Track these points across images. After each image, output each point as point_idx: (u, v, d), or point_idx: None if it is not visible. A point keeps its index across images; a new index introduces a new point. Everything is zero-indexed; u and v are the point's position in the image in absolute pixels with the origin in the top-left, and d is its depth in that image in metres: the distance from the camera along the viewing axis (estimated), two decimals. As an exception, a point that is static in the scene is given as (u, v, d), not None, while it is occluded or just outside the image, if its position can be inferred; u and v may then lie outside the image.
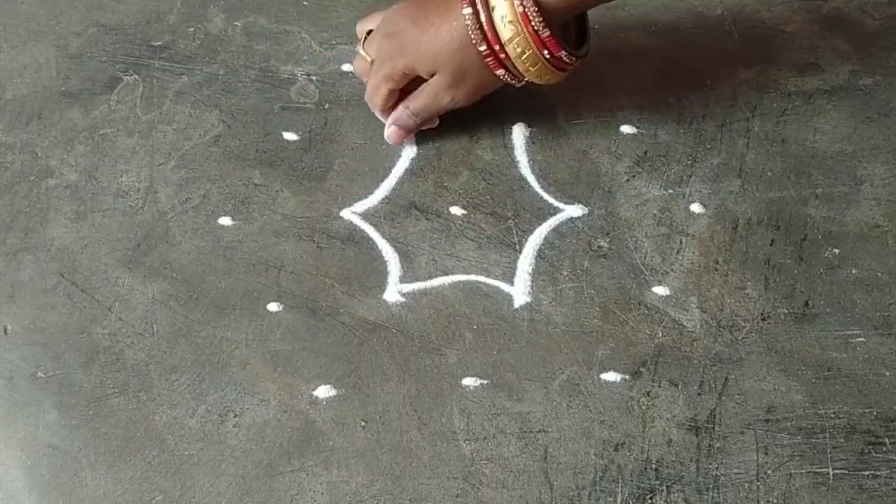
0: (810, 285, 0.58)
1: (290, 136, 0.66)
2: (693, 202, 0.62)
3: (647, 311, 0.58)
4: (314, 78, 0.69)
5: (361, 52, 0.63)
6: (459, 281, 0.59)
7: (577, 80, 0.68)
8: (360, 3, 0.73)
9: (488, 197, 0.63)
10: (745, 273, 0.59)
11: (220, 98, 0.68)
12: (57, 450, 0.53)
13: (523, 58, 0.57)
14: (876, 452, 0.52)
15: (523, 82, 0.60)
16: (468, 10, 0.56)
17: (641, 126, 0.66)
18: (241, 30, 0.72)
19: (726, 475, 0.52)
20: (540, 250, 0.60)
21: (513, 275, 0.59)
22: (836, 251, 0.60)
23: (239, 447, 0.53)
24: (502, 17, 0.56)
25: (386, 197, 0.63)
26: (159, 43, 0.71)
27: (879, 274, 0.59)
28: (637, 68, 0.69)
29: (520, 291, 0.59)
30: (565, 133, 0.66)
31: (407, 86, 0.63)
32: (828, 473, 0.52)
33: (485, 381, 0.55)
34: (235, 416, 0.54)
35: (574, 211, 0.62)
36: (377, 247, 0.61)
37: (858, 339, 0.56)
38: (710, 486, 0.51)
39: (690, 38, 0.71)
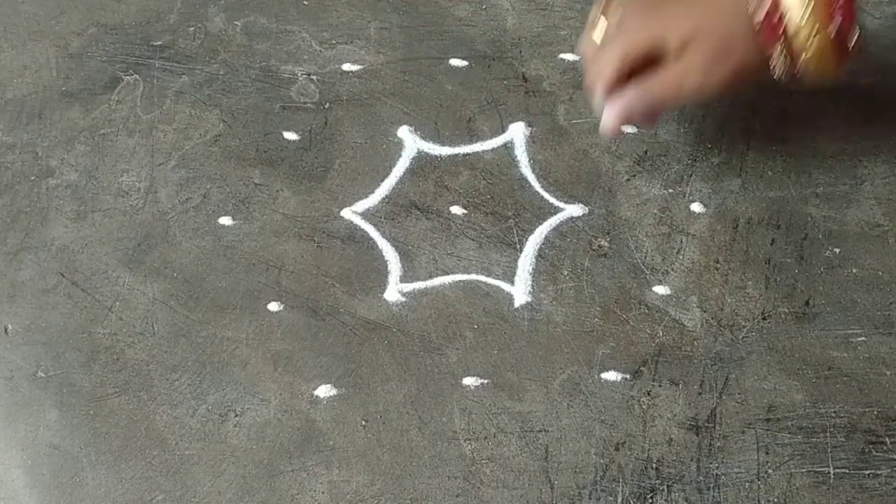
0: (811, 284, 0.58)
1: (290, 135, 0.66)
2: (693, 201, 0.62)
3: (647, 311, 0.58)
4: (314, 77, 0.69)
5: (600, 26, 0.54)
6: (460, 280, 0.59)
7: (579, 80, 0.68)
8: (361, 3, 0.73)
9: (489, 196, 0.63)
10: (745, 272, 0.59)
11: (220, 98, 0.68)
12: (57, 449, 0.53)
13: (805, 32, 0.49)
14: (876, 452, 0.52)
15: (795, 70, 0.51)
16: None
17: (641, 126, 0.66)
18: (242, 29, 0.72)
19: (727, 474, 0.52)
20: (540, 250, 0.60)
21: (513, 274, 0.59)
22: (837, 250, 0.60)
23: (240, 447, 0.53)
24: None
25: (386, 196, 0.63)
26: (160, 43, 0.71)
27: (880, 273, 0.59)
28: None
29: (520, 291, 0.59)
30: (566, 132, 0.66)
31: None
32: (828, 473, 0.52)
33: (485, 381, 0.55)
34: (236, 415, 0.54)
35: (574, 210, 0.62)
36: (377, 246, 0.61)
37: (859, 339, 0.56)
38: (711, 485, 0.51)
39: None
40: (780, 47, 0.50)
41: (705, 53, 0.51)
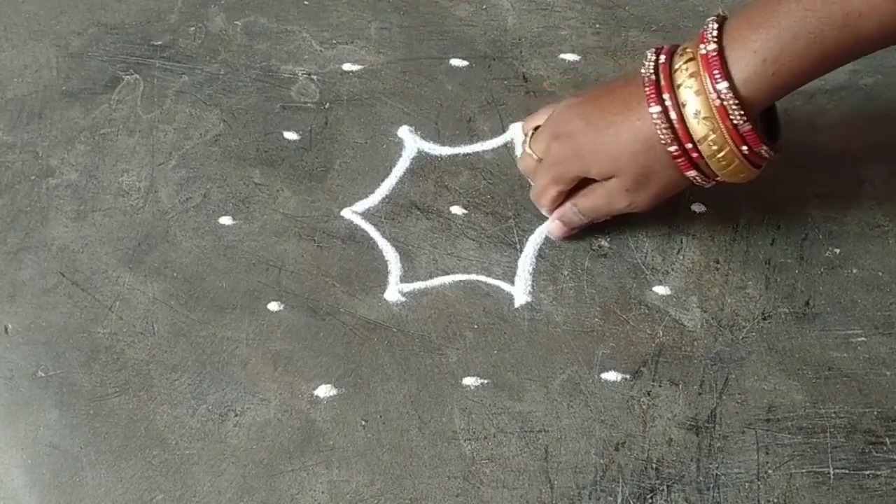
0: (811, 285, 0.58)
1: (290, 135, 0.66)
2: (694, 201, 0.62)
3: (647, 311, 0.58)
4: (315, 77, 0.69)
5: (528, 150, 0.59)
6: (460, 280, 0.59)
7: (579, 80, 0.68)
8: (361, 3, 0.73)
9: (489, 196, 0.63)
10: (745, 272, 0.59)
11: (220, 97, 0.68)
12: (57, 449, 0.53)
13: (719, 156, 0.51)
14: (876, 452, 0.52)
15: (712, 183, 0.54)
16: (656, 109, 0.51)
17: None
18: (242, 29, 0.72)
19: (727, 475, 0.52)
20: (540, 250, 0.60)
21: (513, 274, 0.59)
22: (837, 251, 0.60)
23: (239, 446, 0.53)
24: (696, 113, 0.50)
25: (386, 196, 0.63)
26: (160, 42, 0.71)
27: (880, 273, 0.59)
28: (638, 68, 0.69)
29: (520, 291, 0.59)
30: (566, 132, 0.66)
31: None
32: (828, 473, 0.52)
33: (485, 381, 0.55)
34: (236, 415, 0.54)
35: (574, 210, 0.62)
36: (378, 246, 0.61)
37: (859, 339, 0.56)
38: (711, 485, 0.51)
39: (691, 37, 0.71)
40: (694, 172, 0.53)
41: (627, 182, 0.54)
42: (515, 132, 0.66)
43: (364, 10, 0.73)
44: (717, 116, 0.50)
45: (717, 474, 0.52)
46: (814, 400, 0.54)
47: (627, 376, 0.55)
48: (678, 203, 0.62)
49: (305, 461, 0.53)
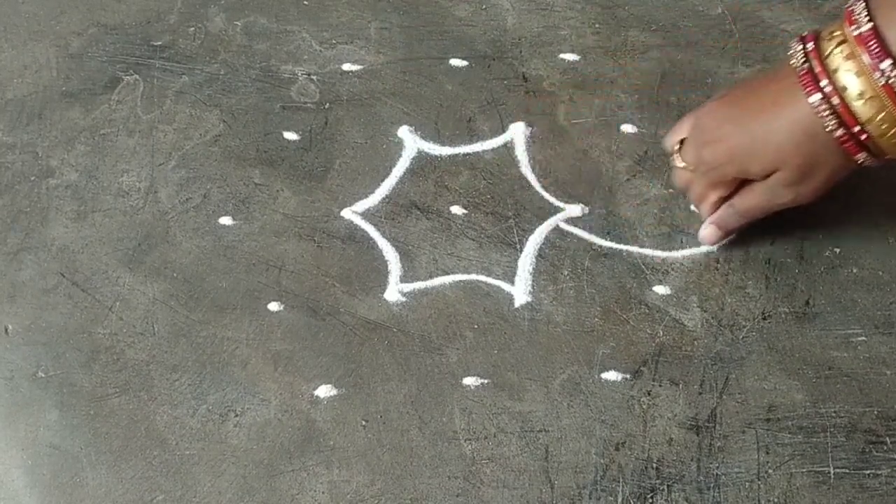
0: (811, 284, 0.58)
1: (290, 135, 0.66)
2: (694, 201, 0.62)
3: (647, 311, 0.58)
4: (315, 77, 0.69)
5: (678, 164, 0.58)
6: (460, 280, 0.59)
7: (579, 80, 0.68)
8: (361, 3, 0.73)
9: (489, 196, 0.63)
10: (745, 272, 0.59)
11: (220, 98, 0.68)
12: (58, 449, 0.53)
13: (889, 134, 0.49)
14: (877, 451, 0.52)
15: (882, 162, 0.52)
16: (816, 97, 0.49)
17: (642, 125, 0.66)
18: (242, 29, 0.72)
19: (727, 474, 0.52)
20: (540, 250, 0.60)
21: (513, 274, 0.59)
22: (837, 250, 0.60)
23: (240, 447, 0.53)
24: (860, 95, 0.48)
25: (386, 196, 0.63)
26: (160, 43, 0.71)
27: (880, 273, 0.59)
28: (637, 67, 0.69)
29: (520, 291, 0.59)
30: (566, 132, 0.66)
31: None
32: (829, 472, 0.52)
33: (485, 381, 0.55)
34: (236, 415, 0.54)
35: (574, 210, 0.62)
36: (378, 246, 0.61)
37: (859, 339, 0.56)
38: (711, 485, 0.51)
39: (690, 36, 0.71)
40: (864, 154, 0.51)
41: (791, 175, 0.53)
42: (515, 132, 0.66)
43: (364, 10, 0.73)
44: (883, 94, 0.48)
45: (717, 474, 0.52)
46: (814, 399, 0.54)
47: (628, 376, 0.55)
48: (678, 203, 0.62)
49: (306, 461, 0.53)
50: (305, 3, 0.74)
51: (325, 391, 0.55)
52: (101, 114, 0.68)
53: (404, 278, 0.59)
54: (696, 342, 0.56)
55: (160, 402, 0.55)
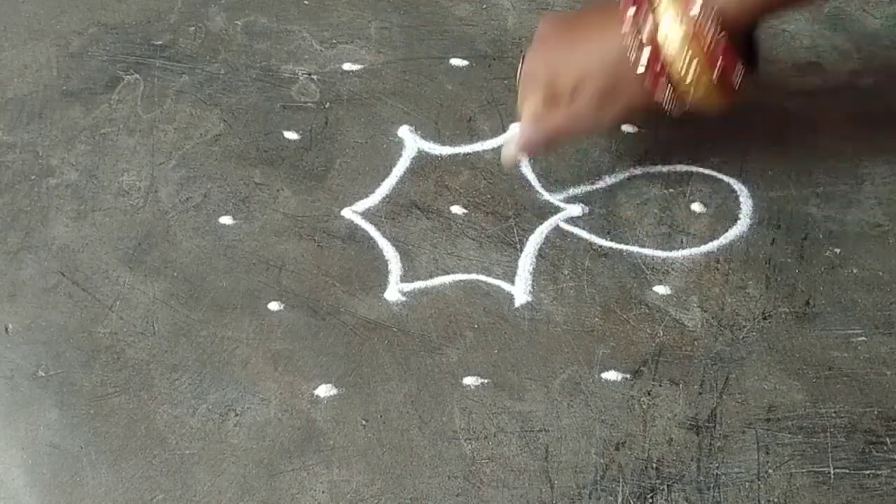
0: (811, 284, 0.58)
1: (290, 135, 0.66)
2: (694, 201, 0.62)
3: (647, 311, 0.58)
4: (315, 77, 0.69)
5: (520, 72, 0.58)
6: (460, 280, 0.59)
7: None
8: (361, 3, 0.73)
9: (489, 196, 0.63)
10: (745, 272, 0.59)
11: (220, 97, 0.68)
12: (58, 449, 0.53)
13: (688, 78, 0.51)
14: (877, 451, 0.52)
15: (684, 106, 0.53)
16: (627, 27, 0.51)
17: (642, 125, 0.66)
18: (242, 29, 0.72)
19: (727, 474, 0.52)
20: (541, 249, 0.60)
21: (514, 274, 0.59)
22: (837, 250, 0.60)
23: (240, 446, 0.53)
24: (669, 27, 0.50)
25: (387, 196, 0.63)
26: (160, 42, 0.71)
27: (880, 273, 0.59)
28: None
29: (520, 290, 0.59)
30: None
31: None
32: (829, 472, 0.52)
33: (485, 381, 0.55)
34: (236, 414, 0.54)
35: (575, 210, 0.62)
36: (378, 246, 0.61)
37: (859, 339, 0.56)
38: (711, 485, 0.51)
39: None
40: (665, 91, 0.52)
41: (594, 96, 0.54)
42: (515, 132, 0.65)
43: (364, 9, 0.73)
44: (690, 33, 0.50)
45: (717, 474, 0.52)
46: (814, 399, 0.54)
47: (628, 376, 0.55)
48: (678, 203, 0.62)
49: (306, 461, 0.53)
50: (306, 2, 0.74)
51: (325, 391, 0.55)
52: (101, 113, 0.68)
53: (404, 278, 0.59)
54: (696, 342, 0.56)
55: (160, 402, 0.55)
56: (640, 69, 0.52)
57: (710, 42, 0.50)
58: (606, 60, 0.53)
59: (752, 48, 0.54)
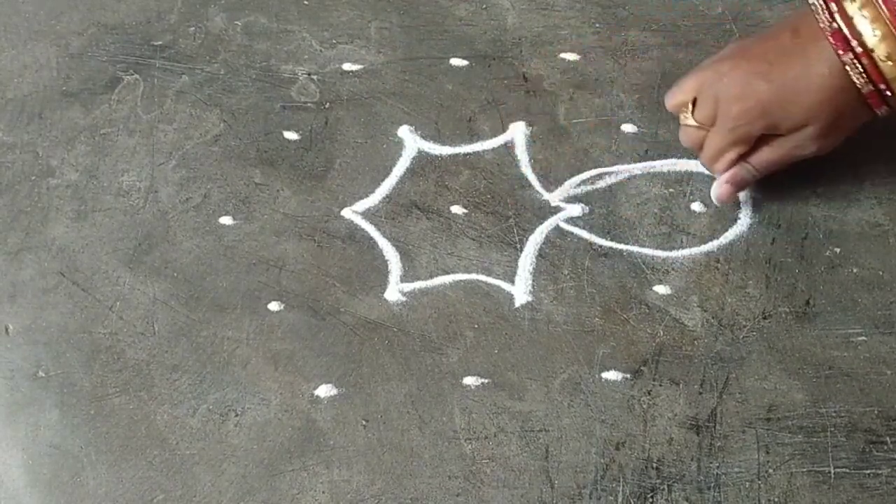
0: (811, 284, 0.58)
1: (290, 135, 0.66)
2: (694, 201, 0.62)
3: (647, 310, 0.58)
4: (315, 77, 0.69)
5: (690, 122, 0.58)
6: (460, 280, 0.59)
7: (579, 80, 0.68)
8: (361, 3, 0.73)
9: (489, 196, 0.63)
10: (745, 272, 0.59)
11: (220, 97, 0.68)
12: (58, 449, 0.53)
13: None
14: (877, 451, 0.52)
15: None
16: (849, 57, 0.51)
17: (642, 125, 0.66)
18: (242, 29, 0.72)
19: (727, 474, 0.52)
20: (541, 249, 0.60)
21: (514, 274, 0.59)
22: (838, 250, 0.60)
23: (240, 446, 0.53)
24: (888, 56, 0.51)
25: (387, 196, 0.63)
26: (160, 42, 0.71)
27: (881, 272, 0.59)
28: (638, 67, 0.69)
29: (521, 290, 0.59)
30: (566, 132, 0.66)
31: None
32: (829, 472, 0.52)
33: (486, 380, 0.55)
34: (236, 415, 0.54)
35: (575, 210, 0.62)
36: (378, 246, 0.61)
37: (860, 338, 0.56)
38: (712, 484, 0.51)
39: (691, 36, 0.71)
40: (885, 107, 0.54)
41: (819, 130, 0.54)
42: (515, 132, 0.66)
43: (364, 9, 0.73)
44: None
45: (717, 473, 0.52)
46: (814, 399, 0.54)
47: (628, 376, 0.55)
48: (678, 203, 0.62)
49: (306, 461, 0.53)
50: (306, 2, 0.74)
51: (325, 391, 0.55)
52: (101, 113, 0.68)
53: (404, 278, 0.59)
54: (696, 342, 0.56)
55: (160, 402, 0.55)
56: (866, 90, 0.52)
57: None
58: (830, 93, 0.53)
59: None
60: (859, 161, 0.64)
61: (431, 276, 0.59)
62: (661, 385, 0.55)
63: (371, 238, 0.61)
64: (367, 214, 0.62)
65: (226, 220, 0.62)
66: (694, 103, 0.58)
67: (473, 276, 0.59)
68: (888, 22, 0.51)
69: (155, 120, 0.67)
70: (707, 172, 0.63)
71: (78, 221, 0.62)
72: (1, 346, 0.57)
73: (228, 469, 0.52)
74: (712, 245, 0.60)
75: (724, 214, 0.61)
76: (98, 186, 0.64)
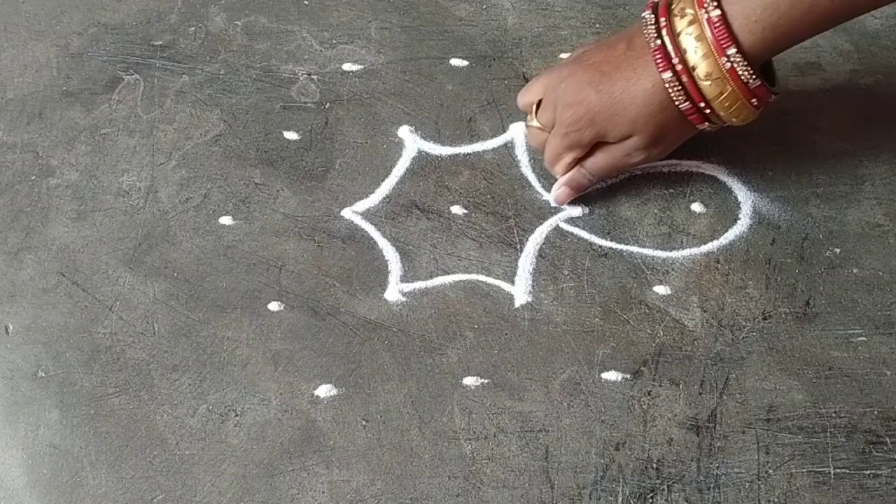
0: (811, 284, 0.58)
1: (290, 135, 0.66)
2: (694, 201, 0.62)
3: (647, 311, 0.58)
4: (315, 77, 0.69)
5: (535, 123, 0.60)
6: (460, 280, 0.59)
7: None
8: (361, 3, 0.73)
9: (489, 196, 0.63)
10: (745, 272, 0.59)
11: (220, 97, 0.68)
12: (58, 449, 0.53)
13: (731, 109, 0.54)
14: (877, 451, 0.52)
15: (723, 126, 0.58)
16: (668, 75, 0.53)
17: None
18: (242, 29, 0.72)
19: (727, 474, 0.52)
20: (541, 249, 0.60)
21: (514, 274, 0.59)
22: (837, 250, 0.60)
23: (240, 446, 0.53)
24: (707, 75, 0.53)
25: (387, 196, 0.63)
26: (160, 42, 0.71)
27: (880, 273, 0.59)
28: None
29: (521, 291, 0.59)
30: (566, 132, 0.66)
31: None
32: (829, 472, 0.52)
33: (486, 381, 0.55)
34: (236, 415, 0.54)
35: (575, 210, 0.62)
36: (378, 246, 0.61)
37: (859, 339, 0.56)
38: (711, 485, 0.51)
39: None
40: (707, 124, 0.56)
41: (644, 140, 0.57)
42: (515, 132, 0.66)
43: (364, 10, 0.73)
44: (728, 77, 0.53)
45: (717, 474, 0.52)
46: (814, 400, 0.54)
47: (628, 376, 0.55)
48: (678, 203, 0.62)
49: (306, 461, 0.53)
50: (306, 2, 0.74)
51: (325, 391, 0.55)
52: (101, 113, 0.68)
53: (404, 278, 0.59)
54: (696, 342, 0.56)
55: (160, 402, 0.55)
56: (685, 107, 0.54)
57: (746, 81, 0.53)
58: (654, 109, 0.55)
59: (770, 66, 0.57)
60: (859, 161, 0.64)
61: (431, 277, 0.59)
62: (660, 385, 0.55)
63: (371, 238, 0.61)
64: (367, 214, 0.62)
65: (226, 220, 0.62)
66: (539, 105, 0.60)
67: (473, 277, 0.59)
68: (710, 42, 0.52)
69: (155, 120, 0.67)
70: (707, 172, 0.63)
71: (78, 221, 0.62)
72: (1, 346, 0.57)
73: (228, 469, 0.53)
74: (712, 245, 0.60)
75: (725, 215, 0.61)
76: (98, 186, 0.64)
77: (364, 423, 0.54)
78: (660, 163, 0.64)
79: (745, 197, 0.62)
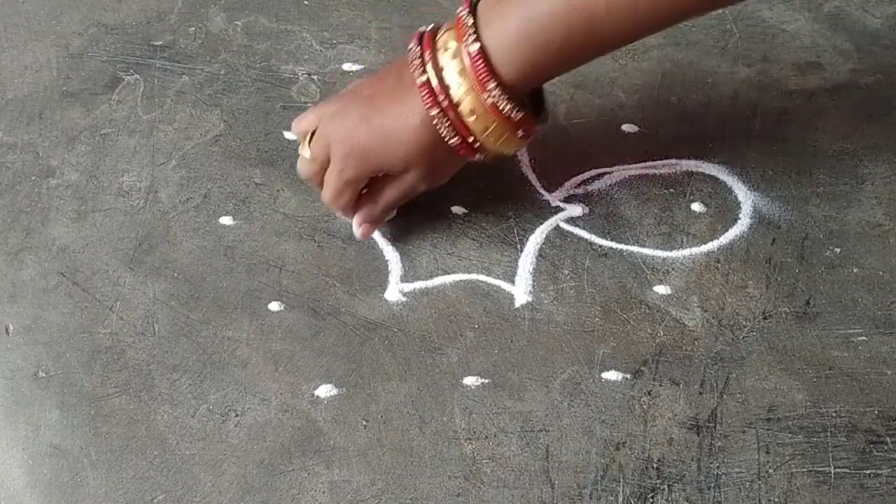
0: (812, 284, 0.58)
1: (290, 135, 0.66)
2: (694, 201, 0.62)
3: (648, 310, 0.58)
4: (315, 77, 0.69)
5: (306, 154, 0.58)
6: (460, 280, 0.59)
7: (579, 80, 0.68)
8: (361, 3, 0.73)
9: (489, 196, 0.63)
10: (746, 272, 0.59)
11: (221, 97, 0.68)
12: (58, 449, 0.53)
13: (498, 142, 0.54)
14: (877, 451, 0.52)
15: (495, 157, 0.57)
16: (435, 111, 0.52)
17: (642, 125, 0.66)
18: (242, 29, 0.72)
19: (727, 474, 0.52)
20: (541, 249, 0.60)
21: (514, 274, 0.59)
22: (838, 250, 0.60)
23: (240, 446, 0.53)
24: (471, 112, 0.52)
25: (387, 196, 0.63)
26: (160, 42, 0.71)
27: (881, 273, 0.59)
28: (638, 67, 0.69)
29: (521, 290, 0.59)
30: (566, 132, 0.66)
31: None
32: (829, 472, 0.52)
33: (486, 381, 0.55)
34: (237, 415, 0.54)
35: (575, 210, 0.62)
36: (378, 246, 0.61)
37: (860, 338, 0.56)
38: (712, 484, 0.51)
39: (691, 36, 0.71)
40: (478, 154, 0.55)
41: (422, 172, 0.56)
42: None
43: (364, 10, 0.73)
44: (490, 113, 0.52)
45: (717, 474, 0.52)
46: (814, 399, 0.54)
47: (628, 376, 0.55)
48: (678, 203, 0.62)
49: (306, 461, 0.53)
50: (306, 2, 0.74)
51: (325, 391, 0.55)
52: (101, 114, 0.68)
53: (405, 278, 0.59)
54: (696, 342, 0.56)
55: (160, 402, 0.55)
56: (453, 142, 0.54)
57: (508, 115, 0.52)
58: (426, 145, 0.54)
59: (539, 94, 0.57)
60: (859, 161, 0.64)
61: (431, 276, 0.59)
62: (661, 385, 0.55)
63: (371, 238, 0.61)
64: (368, 214, 0.62)
65: (226, 220, 0.62)
66: (313, 135, 0.58)
67: (473, 277, 0.59)
68: (471, 77, 0.51)
69: (155, 120, 0.67)
70: (707, 172, 0.63)
71: (78, 221, 0.62)
72: (1, 346, 0.57)
73: (228, 469, 0.52)
74: (712, 245, 0.60)
75: (725, 215, 0.61)
76: (98, 186, 0.64)
77: (364, 423, 0.54)
78: (660, 163, 0.64)
79: (745, 196, 0.62)
